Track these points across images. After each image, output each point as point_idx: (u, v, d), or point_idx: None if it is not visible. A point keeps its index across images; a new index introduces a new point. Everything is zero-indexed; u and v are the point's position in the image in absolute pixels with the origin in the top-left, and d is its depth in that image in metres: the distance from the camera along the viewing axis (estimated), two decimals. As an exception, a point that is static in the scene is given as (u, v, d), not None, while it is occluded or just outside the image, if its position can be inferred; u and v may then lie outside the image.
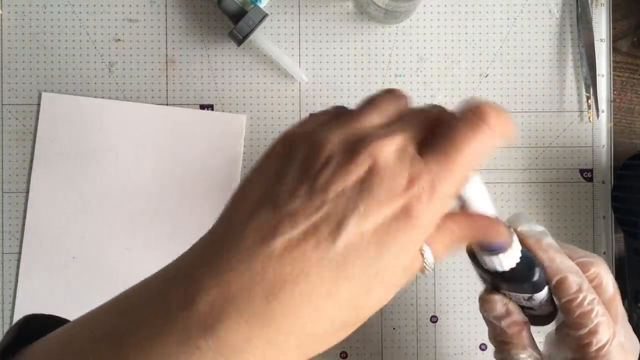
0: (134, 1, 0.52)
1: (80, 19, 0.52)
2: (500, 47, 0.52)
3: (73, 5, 0.52)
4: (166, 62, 0.52)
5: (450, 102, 0.52)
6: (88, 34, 0.52)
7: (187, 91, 0.52)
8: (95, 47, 0.52)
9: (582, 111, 0.52)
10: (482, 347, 0.52)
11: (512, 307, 0.34)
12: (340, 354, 0.52)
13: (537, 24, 0.52)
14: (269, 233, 0.23)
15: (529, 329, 0.35)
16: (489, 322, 0.36)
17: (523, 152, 0.52)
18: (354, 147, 0.24)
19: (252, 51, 0.52)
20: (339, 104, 0.28)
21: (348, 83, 0.52)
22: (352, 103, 0.52)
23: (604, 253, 0.52)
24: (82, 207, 0.51)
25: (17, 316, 0.51)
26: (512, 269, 0.31)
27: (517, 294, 0.34)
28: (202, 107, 0.52)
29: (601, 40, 0.52)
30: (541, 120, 0.52)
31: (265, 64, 0.52)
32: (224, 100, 0.52)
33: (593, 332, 0.32)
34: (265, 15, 0.49)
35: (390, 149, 0.24)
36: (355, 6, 0.52)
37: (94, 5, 0.52)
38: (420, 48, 0.52)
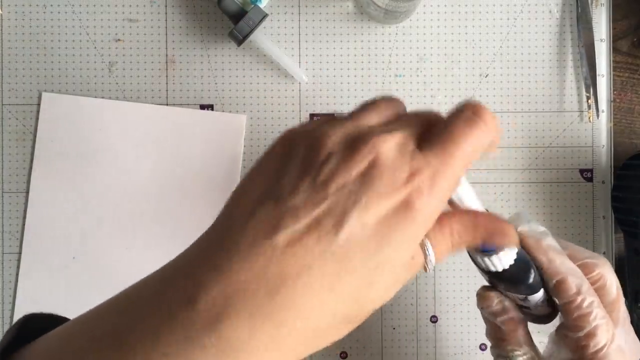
0: (134, 1, 0.52)
1: (80, 19, 0.52)
2: (500, 47, 0.52)
3: (73, 5, 0.52)
4: (166, 62, 0.52)
5: (450, 102, 0.52)
6: (88, 34, 0.52)
7: (187, 91, 0.52)
8: (95, 47, 0.52)
9: (582, 111, 0.52)
10: (482, 347, 0.52)
11: (508, 304, 0.34)
12: (340, 354, 0.52)
13: (537, 24, 0.52)
14: (270, 229, 0.23)
15: (525, 327, 0.35)
16: (485, 319, 0.36)
17: (523, 152, 0.52)
18: (355, 144, 0.24)
19: (252, 51, 0.52)
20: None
21: (348, 83, 0.52)
22: (352, 103, 0.52)
23: (604, 253, 0.52)
24: (82, 207, 0.51)
25: (17, 316, 0.51)
26: (505, 270, 0.31)
27: (512, 293, 0.34)
28: (202, 107, 0.52)
29: (601, 40, 0.52)
30: (541, 120, 0.52)
31: (265, 64, 0.52)
32: (224, 100, 0.52)
33: (591, 335, 0.32)
34: (265, 15, 0.49)
35: (391, 144, 0.24)
36: (355, 6, 0.52)
37: (94, 5, 0.52)
38: (420, 48, 0.52)
